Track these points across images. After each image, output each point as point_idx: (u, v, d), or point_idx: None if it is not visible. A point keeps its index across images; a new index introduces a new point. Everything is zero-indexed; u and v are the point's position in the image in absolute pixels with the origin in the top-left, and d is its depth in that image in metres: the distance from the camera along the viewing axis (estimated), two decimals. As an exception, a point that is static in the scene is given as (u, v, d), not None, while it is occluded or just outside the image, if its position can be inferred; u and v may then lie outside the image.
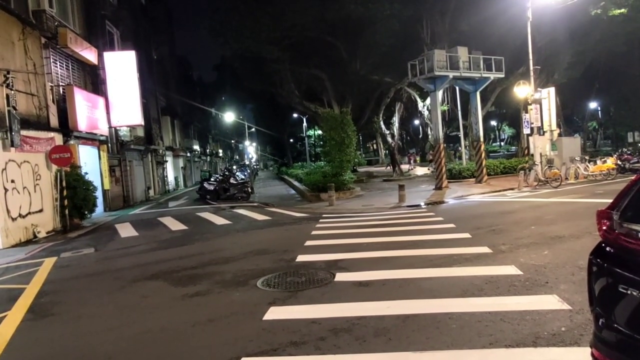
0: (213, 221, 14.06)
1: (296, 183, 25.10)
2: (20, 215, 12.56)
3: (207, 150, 62.59)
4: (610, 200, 2.94)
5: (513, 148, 53.72)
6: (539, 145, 18.96)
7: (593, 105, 45.82)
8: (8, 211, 12.01)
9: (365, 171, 38.29)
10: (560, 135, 23.30)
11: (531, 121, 19.18)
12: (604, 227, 2.85)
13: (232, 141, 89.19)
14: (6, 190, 12.01)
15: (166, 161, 33.82)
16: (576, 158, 19.43)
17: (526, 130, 20.11)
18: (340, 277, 6.33)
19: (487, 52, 20.44)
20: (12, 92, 12.33)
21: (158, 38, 35.29)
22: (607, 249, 2.79)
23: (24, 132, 12.84)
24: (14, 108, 12.24)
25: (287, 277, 6.53)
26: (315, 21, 23.49)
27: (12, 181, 12.35)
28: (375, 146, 68.14)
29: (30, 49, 14.21)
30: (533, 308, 4.58)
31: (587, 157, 20.49)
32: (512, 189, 17.02)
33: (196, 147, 51.25)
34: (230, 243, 10.08)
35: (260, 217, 14.37)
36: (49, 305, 6.19)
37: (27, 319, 5.62)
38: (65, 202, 14.18)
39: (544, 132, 19.48)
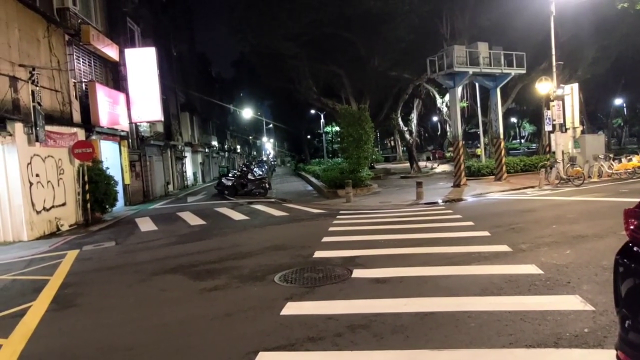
0: (231, 216, 14.18)
1: (313, 179, 25.12)
2: (44, 209, 12.89)
3: (226, 146, 63.09)
4: (636, 200, 2.85)
5: (534, 145, 52.74)
6: (561, 143, 18.55)
7: (618, 101, 44.63)
8: (33, 204, 12.33)
9: (383, 168, 38.08)
10: (583, 132, 22.74)
11: (553, 118, 18.77)
12: (632, 227, 2.77)
13: (250, 137, 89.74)
14: (31, 184, 12.33)
15: (185, 157, 34.22)
16: (600, 156, 18.90)
17: (548, 127, 19.66)
18: (358, 273, 6.32)
19: (508, 47, 20.03)
20: (37, 88, 12.60)
21: (178, 35, 35.68)
22: (635, 249, 2.71)
23: (48, 128, 13.13)
24: (39, 104, 12.52)
25: (304, 273, 6.54)
26: (333, 17, 23.39)
27: (37, 175, 12.68)
28: (393, 143, 67.73)
29: (54, 46, 14.52)
30: (554, 308, 4.49)
31: (611, 155, 19.94)
32: (532, 187, 16.71)
33: (214, 143, 51.67)
34: (248, 238, 10.15)
35: (277, 212, 14.43)
36: (72, 296, 6.34)
37: (51, 310, 5.76)
38: (87, 196, 14.47)
39: (566, 129, 19.03)
